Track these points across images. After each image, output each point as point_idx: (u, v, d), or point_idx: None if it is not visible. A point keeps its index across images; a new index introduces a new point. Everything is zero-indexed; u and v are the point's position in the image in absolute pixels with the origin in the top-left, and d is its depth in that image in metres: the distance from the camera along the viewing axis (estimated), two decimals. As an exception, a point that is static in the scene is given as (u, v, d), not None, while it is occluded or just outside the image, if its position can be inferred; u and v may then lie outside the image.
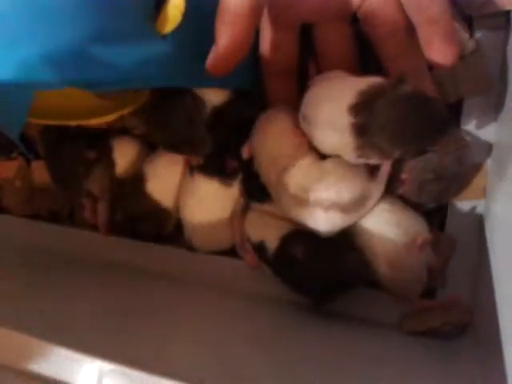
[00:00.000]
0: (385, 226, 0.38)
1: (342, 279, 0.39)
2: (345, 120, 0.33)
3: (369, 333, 0.39)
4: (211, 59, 0.35)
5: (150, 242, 0.47)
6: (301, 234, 0.39)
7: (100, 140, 0.47)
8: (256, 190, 0.41)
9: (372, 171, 0.37)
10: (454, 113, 0.41)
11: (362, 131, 0.33)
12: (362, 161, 0.35)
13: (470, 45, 0.40)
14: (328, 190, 0.36)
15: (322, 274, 0.39)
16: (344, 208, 0.37)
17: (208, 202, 0.43)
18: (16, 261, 0.47)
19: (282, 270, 0.41)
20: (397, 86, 0.32)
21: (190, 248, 0.46)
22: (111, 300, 0.40)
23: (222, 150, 0.43)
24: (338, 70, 0.37)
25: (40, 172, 0.48)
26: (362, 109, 0.33)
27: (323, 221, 0.37)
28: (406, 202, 0.39)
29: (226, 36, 0.34)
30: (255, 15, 0.34)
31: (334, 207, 0.37)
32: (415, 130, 0.32)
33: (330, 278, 0.39)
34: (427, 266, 0.38)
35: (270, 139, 0.39)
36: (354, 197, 0.37)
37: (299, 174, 0.37)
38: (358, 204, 0.37)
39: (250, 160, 0.41)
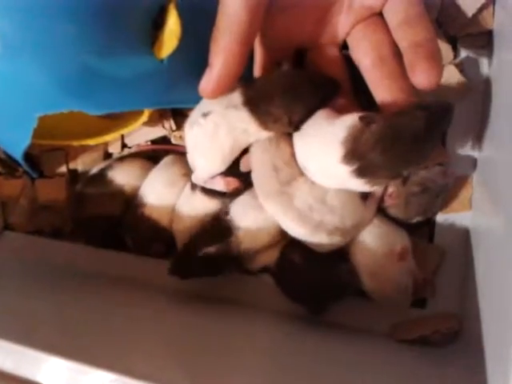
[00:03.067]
0: (367, 237, 0.39)
1: (335, 288, 0.40)
2: (343, 170, 0.35)
3: (361, 341, 0.41)
4: (204, 83, 0.36)
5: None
6: (298, 242, 0.40)
7: None
8: None
9: (365, 194, 0.39)
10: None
11: (363, 173, 0.34)
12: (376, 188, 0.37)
13: (450, 54, 0.42)
14: (333, 214, 0.37)
15: (316, 281, 0.40)
16: (345, 232, 0.38)
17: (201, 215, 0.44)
18: (21, 275, 0.48)
19: (282, 277, 0.42)
20: (369, 126, 0.34)
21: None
22: (113, 313, 0.41)
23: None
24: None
25: (43, 190, 0.50)
26: (352, 156, 0.34)
27: (325, 244, 0.38)
28: (393, 218, 0.40)
29: (219, 62, 0.35)
30: (249, 42, 0.35)
31: (336, 232, 0.38)
32: (405, 152, 0.33)
33: (324, 287, 0.40)
34: (412, 276, 0.39)
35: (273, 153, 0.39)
36: (355, 223, 0.38)
37: (306, 188, 0.38)
38: (357, 228, 0.39)
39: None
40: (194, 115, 0.40)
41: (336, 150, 0.35)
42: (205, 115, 0.38)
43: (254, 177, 0.40)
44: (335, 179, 0.36)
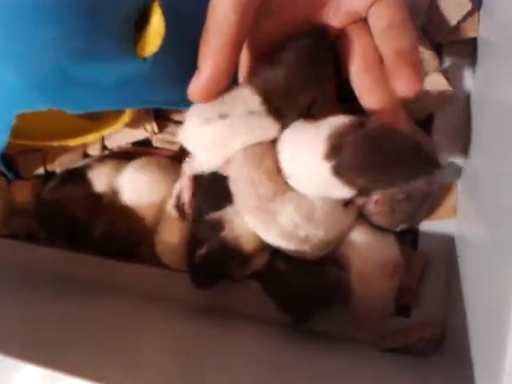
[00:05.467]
0: (361, 242, 0.39)
1: (320, 298, 0.39)
2: (324, 168, 0.34)
3: (345, 351, 0.40)
4: (194, 87, 0.35)
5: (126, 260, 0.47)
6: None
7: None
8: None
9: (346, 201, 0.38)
10: (425, 132, 0.42)
11: (340, 171, 0.34)
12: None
13: (435, 62, 0.42)
14: (318, 228, 0.37)
15: (302, 291, 0.39)
16: (328, 243, 0.38)
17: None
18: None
19: (267, 285, 0.42)
20: (359, 126, 0.34)
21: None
22: (89, 318, 0.39)
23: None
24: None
25: (20, 192, 0.48)
26: (334, 151, 0.34)
27: (311, 255, 0.38)
28: (377, 226, 0.39)
29: (209, 65, 0.34)
30: (239, 44, 0.35)
31: (320, 244, 0.37)
32: (384, 166, 0.33)
33: (309, 296, 0.39)
34: (399, 284, 0.39)
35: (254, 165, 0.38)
36: (338, 233, 0.38)
37: (291, 206, 0.37)
38: (339, 238, 0.39)
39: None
40: (209, 112, 0.37)
41: (319, 147, 0.34)
42: (222, 117, 0.37)
43: (232, 188, 0.38)
44: (318, 182, 0.36)
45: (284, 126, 0.37)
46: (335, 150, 0.34)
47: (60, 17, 0.33)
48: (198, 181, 0.41)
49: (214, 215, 0.40)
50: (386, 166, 0.33)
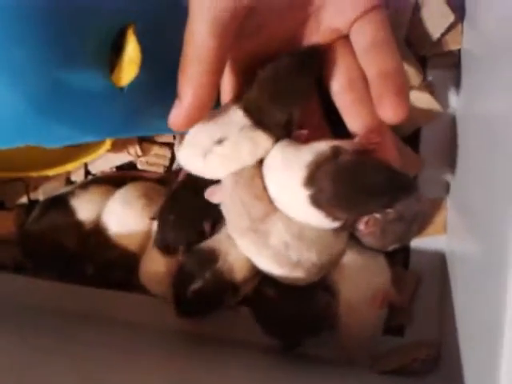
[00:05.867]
0: (348, 274, 0.38)
1: (310, 323, 0.39)
2: (302, 195, 0.34)
3: (337, 373, 0.39)
4: (174, 116, 0.34)
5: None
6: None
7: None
8: None
9: None
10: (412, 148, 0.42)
11: (318, 201, 0.33)
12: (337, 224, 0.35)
13: (419, 76, 0.42)
14: (310, 251, 0.36)
15: (291, 316, 0.39)
16: (321, 268, 0.37)
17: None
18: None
19: (255, 311, 0.41)
20: (333, 158, 0.33)
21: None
22: (76, 351, 0.38)
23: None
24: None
25: (3, 223, 0.47)
26: (312, 180, 0.33)
27: (304, 281, 0.37)
28: (368, 247, 0.39)
29: (189, 93, 0.33)
30: (219, 71, 0.34)
31: (313, 268, 0.37)
32: (360, 198, 0.33)
33: (298, 321, 0.39)
34: (392, 305, 0.39)
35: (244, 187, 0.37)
36: (330, 257, 0.37)
37: (281, 224, 0.36)
38: (332, 262, 0.38)
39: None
40: (203, 143, 0.36)
41: (300, 173, 0.34)
42: (220, 141, 0.36)
43: (225, 211, 0.38)
44: (301, 208, 0.35)
45: (275, 139, 0.36)
46: (314, 178, 0.33)
47: (28, 37, 0.31)
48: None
49: (207, 245, 0.39)
50: (362, 198, 0.33)
